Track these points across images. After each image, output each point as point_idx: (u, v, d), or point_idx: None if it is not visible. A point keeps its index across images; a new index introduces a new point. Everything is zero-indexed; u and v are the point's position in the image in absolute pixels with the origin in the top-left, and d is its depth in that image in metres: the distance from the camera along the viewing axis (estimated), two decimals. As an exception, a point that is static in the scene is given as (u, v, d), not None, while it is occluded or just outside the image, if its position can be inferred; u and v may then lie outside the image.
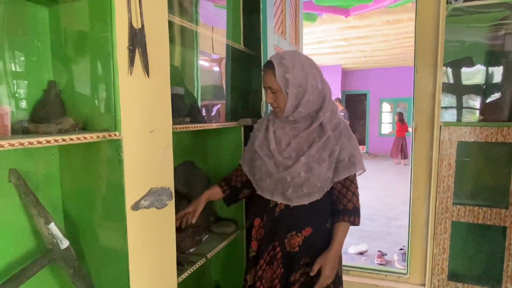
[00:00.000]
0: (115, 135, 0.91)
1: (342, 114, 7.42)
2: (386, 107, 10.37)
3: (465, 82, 1.92)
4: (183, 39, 1.53)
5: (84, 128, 0.95)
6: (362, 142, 10.22)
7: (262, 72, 1.15)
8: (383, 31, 5.64)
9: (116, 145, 0.92)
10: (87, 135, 0.85)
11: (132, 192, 0.96)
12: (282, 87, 1.09)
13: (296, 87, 1.08)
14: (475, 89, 1.89)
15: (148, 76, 1.00)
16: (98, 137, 0.87)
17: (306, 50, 6.85)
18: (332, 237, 1.18)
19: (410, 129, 9.02)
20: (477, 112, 1.89)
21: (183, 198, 1.49)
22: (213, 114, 1.68)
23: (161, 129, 1.06)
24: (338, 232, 1.17)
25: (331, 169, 1.13)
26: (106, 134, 0.89)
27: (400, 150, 7.94)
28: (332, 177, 1.14)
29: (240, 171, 1.36)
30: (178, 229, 1.24)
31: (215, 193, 1.36)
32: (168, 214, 1.12)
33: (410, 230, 1.99)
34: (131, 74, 0.94)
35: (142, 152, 0.99)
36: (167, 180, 1.11)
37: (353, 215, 1.18)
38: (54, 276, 1.02)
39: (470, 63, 1.91)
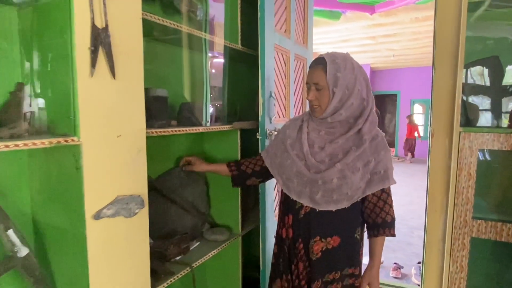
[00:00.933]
0: (72, 140, 0.86)
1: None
2: (418, 108, 9.85)
3: (489, 83, 1.70)
4: (175, 39, 1.48)
5: (50, 132, 0.91)
6: (391, 144, 9.80)
7: (310, 68, 1.13)
8: (412, 29, 5.32)
9: (74, 151, 0.88)
10: (37, 141, 0.80)
11: (94, 200, 0.91)
12: (330, 85, 1.06)
13: (343, 88, 1.07)
14: (501, 92, 1.68)
15: (114, 78, 0.95)
16: (50, 142, 0.82)
17: (331, 49, 6.59)
18: (372, 251, 1.20)
19: (419, 131, 8.76)
20: (502, 117, 1.68)
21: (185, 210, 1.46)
22: (207, 116, 1.62)
23: (131, 133, 1.01)
24: (377, 246, 1.20)
25: (363, 179, 1.11)
26: (61, 139, 0.85)
27: (408, 149, 8.46)
28: (364, 188, 1.12)
29: (257, 160, 1.34)
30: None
31: (221, 169, 1.37)
32: (139, 223, 1.06)
33: (425, 245, 1.82)
34: (92, 76, 0.89)
35: (107, 158, 0.95)
36: (139, 188, 1.05)
37: (392, 228, 1.19)
38: (19, 282, 0.99)
39: (496, 63, 1.69)
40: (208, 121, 1.65)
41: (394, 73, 9.63)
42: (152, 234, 1.37)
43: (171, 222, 1.47)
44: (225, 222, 1.71)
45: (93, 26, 0.89)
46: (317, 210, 1.13)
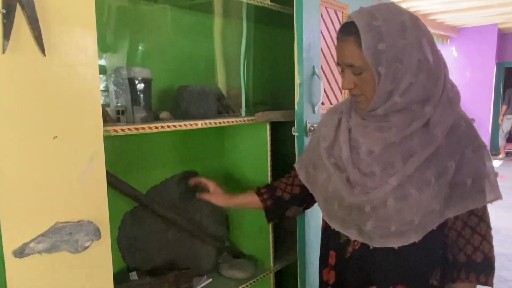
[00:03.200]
0: (-24, 144, 0.75)
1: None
2: None
3: None
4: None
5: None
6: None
7: (337, 41, 1.01)
8: None
9: (-20, 160, 0.78)
10: None
11: (14, 230, 0.82)
12: (372, 64, 0.93)
13: (393, 62, 0.93)
14: None
15: (44, 54, 0.83)
16: None
17: (437, 6, 5.97)
18: None
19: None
20: None
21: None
22: (222, 105, 1.48)
23: (77, 133, 0.90)
24: None
25: (439, 197, 0.98)
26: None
27: None
28: (442, 210, 1.00)
29: (293, 179, 1.28)
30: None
31: (250, 201, 1.30)
32: (94, 262, 0.95)
33: None
34: (4, 52, 0.77)
35: (36, 169, 0.84)
36: (91, 211, 0.94)
37: (484, 272, 1.03)
38: None
39: None
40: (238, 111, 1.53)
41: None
42: (140, 267, 1.32)
43: (169, 251, 1.41)
44: (250, 252, 1.64)
45: (6, -20, 0.77)
46: (371, 247, 1.03)
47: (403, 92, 0.96)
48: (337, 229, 1.09)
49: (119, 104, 1.10)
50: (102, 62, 1.25)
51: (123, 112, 1.10)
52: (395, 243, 1.01)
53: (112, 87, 1.10)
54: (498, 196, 1.00)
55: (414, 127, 0.98)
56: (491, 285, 1.03)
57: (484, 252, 1.02)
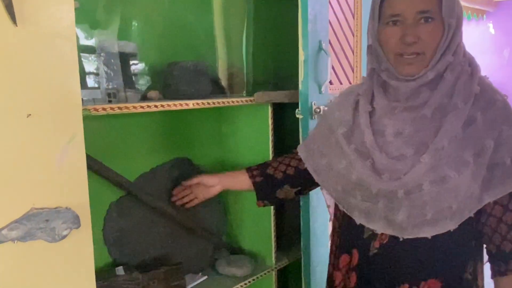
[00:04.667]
0: None
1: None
2: None
3: None
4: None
5: None
6: None
7: None
8: None
9: None
10: None
11: None
12: (446, 13, 0.98)
13: (459, 17, 1.00)
14: None
15: (16, 23, 0.83)
16: None
17: None
18: None
19: None
20: None
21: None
22: (217, 85, 1.52)
23: (53, 112, 0.91)
24: None
25: (478, 179, 1.00)
26: None
27: None
28: (479, 194, 1.01)
29: (290, 159, 1.32)
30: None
31: (238, 180, 1.35)
32: (74, 252, 0.97)
33: None
34: None
35: (7, 150, 0.85)
36: (70, 197, 0.95)
37: None
38: None
39: None
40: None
41: None
42: (127, 262, 1.35)
43: (159, 245, 1.43)
44: (250, 247, 1.66)
45: None
46: (401, 239, 1.04)
47: (454, 50, 0.99)
48: (360, 223, 1.10)
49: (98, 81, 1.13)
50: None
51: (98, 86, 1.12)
52: (429, 232, 1.01)
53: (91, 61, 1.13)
54: None
55: (439, 93, 1.00)
56: None
57: None
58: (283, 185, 1.29)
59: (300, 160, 1.26)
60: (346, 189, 1.11)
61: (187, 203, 1.41)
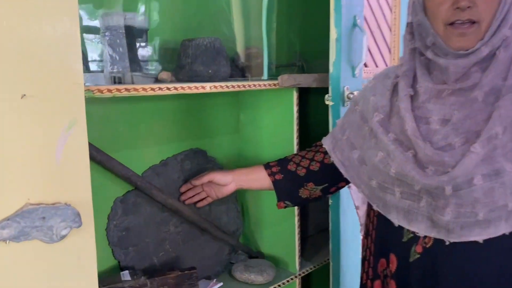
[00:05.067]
0: None
1: None
2: None
3: None
4: None
5: None
6: None
7: None
8: None
9: None
10: None
11: None
12: None
13: None
14: None
15: None
16: None
17: None
18: None
19: None
20: None
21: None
22: (237, 66, 1.51)
23: (51, 92, 0.88)
24: None
25: None
26: None
27: None
28: None
29: (314, 154, 1.30)
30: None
31: (255, 178, 1.34)
32: (74, 255, 0.94)
33: None
34: None
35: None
36: (70, 192, 0.92)
37: None
38: None
39: None
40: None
41: None
42: (134, 265, 1.34)
43: (170, 247, 1.43)
44: (271, 251, 1.66)
45: None
46: (447, 243, 1.00)
47: (511, 25, 0.96)
48: (399, 224, 1.07)
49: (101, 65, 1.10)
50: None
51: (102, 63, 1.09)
52: (480, 235, 0.98)
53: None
54: None
55: (492, 73, 0.97)
56: None
57: None
58: (307, 182, 1.28)
59: (325, 153, 1.25)
60: (382, 186, 1.08)
61: (198, 201, 1.41)
